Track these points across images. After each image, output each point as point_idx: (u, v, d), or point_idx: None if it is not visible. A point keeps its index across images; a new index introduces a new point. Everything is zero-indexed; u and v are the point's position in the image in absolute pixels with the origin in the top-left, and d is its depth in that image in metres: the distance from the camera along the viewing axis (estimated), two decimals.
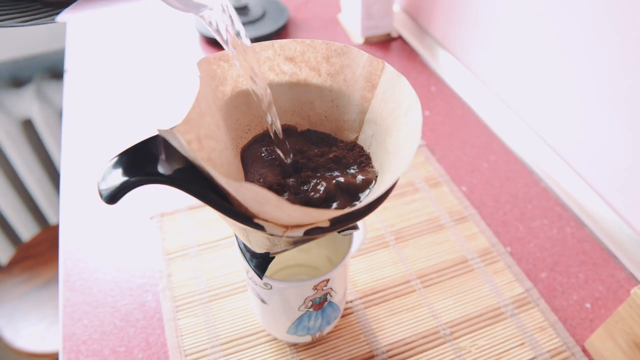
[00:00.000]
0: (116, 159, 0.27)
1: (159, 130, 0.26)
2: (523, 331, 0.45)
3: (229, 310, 0.46)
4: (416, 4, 0.78)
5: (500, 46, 0.62)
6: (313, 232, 0.26)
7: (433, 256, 0.51)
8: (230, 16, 0.27)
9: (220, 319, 0.45)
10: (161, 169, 0.27)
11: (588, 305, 0.47)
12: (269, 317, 0.40)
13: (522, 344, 0.44)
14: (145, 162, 0.27)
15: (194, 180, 0.27)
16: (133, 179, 0.26)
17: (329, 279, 0.36)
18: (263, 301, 0.38)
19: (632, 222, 0.51)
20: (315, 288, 0.36)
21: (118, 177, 0.26)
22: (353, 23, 0.75)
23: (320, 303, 0.38)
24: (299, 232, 0.26)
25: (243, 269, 0.40)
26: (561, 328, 0.45)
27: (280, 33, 0.77)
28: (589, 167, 0.54)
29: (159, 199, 0.56)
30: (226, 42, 0.28)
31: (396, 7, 0.82)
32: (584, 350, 0.44)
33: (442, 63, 0.72)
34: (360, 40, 0.76)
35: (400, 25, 0.79)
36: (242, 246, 0.36)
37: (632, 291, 0.38)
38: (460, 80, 0.70)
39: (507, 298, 0.47)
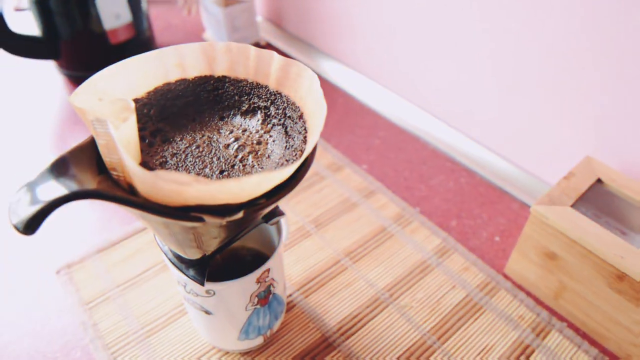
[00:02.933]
0: (25, 187, 0.25)
1: (95, 121, 0.25)
2: (451, 276, 0.49)
3: (169, 340, 0.44)
4: (276, 11, 0.81)
5: (360, 32, 0.67)
6: (252, 209, 0.26)
7: (354, 233, 0.53)
8: None
9: (163, 351, 0.43)
10: (76, 185, 0.26)
11: (497, 239, 0.52)
12: (217, 329, 0.39)
13: (454, 286, 0.48)
14: (58, 181, 0.25)
15: (112, 190, 0.26)
16: (51, 198, 0.24)
17: (269, 269, 0.36)
18: (207, 312, 0.37)
19: (511, 158, 0.57)
20: (258, 281, 0.36)
21: (33, 204, 0.24)
22: (220, 38, 0.76)
23: (266, 297, 0.38)
24: (239, 214, 0.26)
25: (178, 287, 0.38)
26: (481, 264, 0.49)
27: None
28: (464, 121, 0.60)
29: (60, 250, 0.51)
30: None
31: (258, 18, 0.85)
32: (506, 276, 0.49)
33: (315, 59, 0.76)
34: None
35: (266, 34, 0.82)
36: (174, 260, 0.35)
37: (531, 209, 0.43)
38: (335, 72, 0.73)
39: (429, 251, 0.51)
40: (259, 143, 0.33)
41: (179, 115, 0.34)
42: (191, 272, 0.34)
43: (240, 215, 0.26)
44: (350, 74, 0.72)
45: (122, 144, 0.25)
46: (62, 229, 0.53)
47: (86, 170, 0.27)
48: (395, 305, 0.46)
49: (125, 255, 0.51)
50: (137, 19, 0.69)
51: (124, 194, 0.26)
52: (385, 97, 0.68)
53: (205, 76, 0.35)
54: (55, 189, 0.25)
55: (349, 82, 0.72)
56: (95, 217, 0.55)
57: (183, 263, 0.34)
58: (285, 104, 0.33)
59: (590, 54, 0.46)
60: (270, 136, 0.33)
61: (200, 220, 0.26)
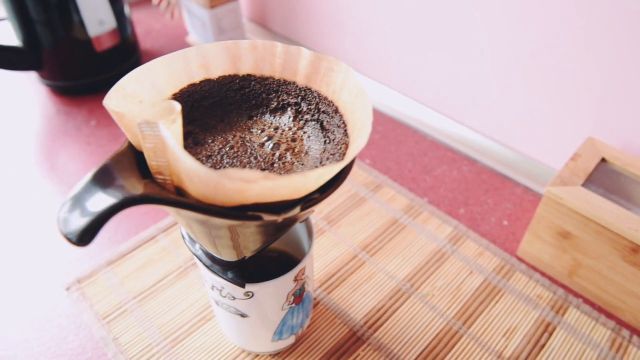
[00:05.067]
0: (71, 200, 0.24)
1: (140, 123, 0.24)
2: (467, 262, 0.49)
3: (196, 347, 0.43)
4: (260, 11, 0.80)
5: (350, 28, 0.68)
6: (308, 204, 0.26)
7: (367, 226, 0.53)
8: None
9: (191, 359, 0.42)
10: (125, 192, 0.25)
11: (505, 223, 0.53)
12: (252, 331, 0.39)
13: (471, 272, 0.49)
14: (107, 190, 0.25)
15: (164, 193, 0.26)
16: (104, 207, 0.23)
17: (305, 266, 0.36)
18: (243, 315, 0.37)
19: (511, 145, 0.59)
20: (295, 279, 0.36)
21: (86, 215, 0.23)
22: (205, 41, 0.75)
23: (300, 295, 0.38)
24: (296, 209, 0.26)
25: (212, 292, 0.37)
26: (494, 248, 0.51)
27: (134, 68, 0.73)
28: (462, 111, 0.61)
29: (66, 266, 0.49)
30: None
31: (243, 19, 0.84)
32: (519, 259, 0.50)
33: None
34: None
35: (252, 35, 0.81)
36: (209, 264, 0.34)
37: (545, 190, 0.44)
38: None
39: (442, 239, 0.51)
40: (293, 140, 0.32)
41: (206, 116, 0.34)
42: (230, 274, 0.33)
43: (297, 211, 0.26)
44: None
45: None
46: (65, 245, 0.51)
47: (131, 176, 0.27)
48: (418, 295, 0.47)
49: (137, 266, 0.49)
50: (121, 24, 0.68)
51: (177, 196, 0.25)
52: (380, 91, 0.69)
53: (230, 75, 0.34)
54: (106, 197, 0.24)
55: None
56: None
57: (220, 265, 0.34)
58: (317, 99, 0.33)
59: (586, 36, 0.47)
60: (305, 132, 0.33)
61: (259, 218, 0.25)
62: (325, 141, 0.31)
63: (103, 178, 0.26)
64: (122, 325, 0.45)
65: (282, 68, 0.34)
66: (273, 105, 0.34)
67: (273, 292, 0.35)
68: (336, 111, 0.31)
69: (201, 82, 0.33)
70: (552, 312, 0.45)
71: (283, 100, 0.34)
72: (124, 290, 0.47)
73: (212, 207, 0.25)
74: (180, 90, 0.33)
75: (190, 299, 0.46)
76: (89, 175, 0.26)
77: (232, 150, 0.32)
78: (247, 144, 0.32)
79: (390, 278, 0.48)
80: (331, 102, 0.32)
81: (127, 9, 0.69)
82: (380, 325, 0.44)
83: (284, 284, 0.35)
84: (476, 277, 0.48)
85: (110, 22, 0.66)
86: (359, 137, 0.27)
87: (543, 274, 0.49)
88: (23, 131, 0.65)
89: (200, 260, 0.34)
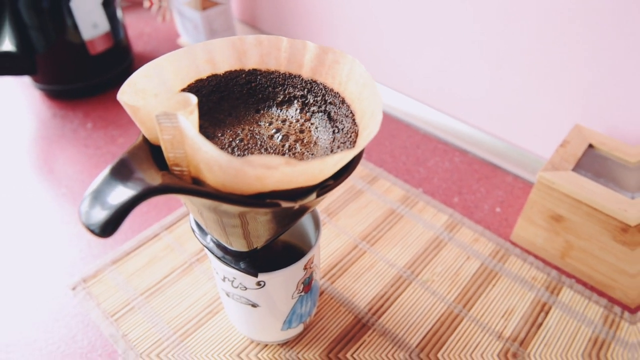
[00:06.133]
0: (91, 194, 0.25)
1: (159, 115, 0.25)
2: (463, 248, 0.51)
3: (206, 340, 0.44)
4: (250, 12, 0.81)
5: (342, 26, 0.69)
6: (324, 190, 0.27)
7: (365, 217, 0.54)
8: None
9: (201, 352, 0.43)
10: (145, 183, 0.26)
11: (498, 210, 0.55)
12: (262, 321, 0.40)
13: (468, 257, 0.50)
14: (127, 182, 0.25)
15: (180, 183, 0.27)
16: (127, 198, 0.24)
17: (314, 255, 0.37)
18: (254, 305, 0.38)
19: (499, 135, 0.61)
20: (305, 267, 0.37)
21: (107, 208, 0.24)
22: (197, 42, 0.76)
23: (309, 283, 0.39)
24: (312, 196, 0.27)
25: (222, 284, 0.38)
26: (489, 234, 0.52)
27: (127, 71, 0.74)
28: (452, 104, 0.63)
29: (70, 266, 0.50)
30: None
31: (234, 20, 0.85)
32: (513, 243, 0.52)
33: None
34: None
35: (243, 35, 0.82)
36: (220, 256, 0.35)
37: (538, 175, 0.46)
38: None
39: (439, 227, 0.53)
40: (301, 131, 0.34)
41: (215, 111, 0.35)
42: (242, 264, 0.34)
43: (313, 197, 0.27)
44: None
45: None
46: (66, 245, 0.52)
47: (149, 168, 0.28)
48: (418, 281, 0.48)
49: (142, 263, 0.50)
50: (114, 28, 0.68)
51: (196, 186, 0.26)
52: None
53: (236, 70, 0.35)
54: (126, 189, 0.25)
55: None
56: None
57: (232, 256, 0.35)
58: (324, 91, 0.34)
59: (573, 27, 0.49)
60: (312, 124, 0.34)
61: (277, 205, 0.26)
62: (334, 131, 0.33)
63: (121, 171, 0.27)
64: (131, 321, 0.45)
65: (288, 62, 0.35)
66: (279, 99, 0.35)
67: (284, 281, 0.36)
68: (343, 102, 0.33)
69: (208, 77, 0.35)
70: (547, 292, 0.47)
71: (289, 93, 0.35)
72: (130, 288, 0.48)
73: (231, 195, 0.26)
74: (189, 86, 0.34)
75: (197, 294, 0.47)
76: (107, 169, 0.26)
77: (243, 143, 0.33)
78: (256, 136, 0.33)
79: (390, 266, 0.49)
80: (337, 93, 0.33)
81: (119, 13, 0.70)
82: (384, 312, 0.46)
83: (295, 272, 0.36)
84: (473, 262, 0.50)
85: (103, 26, 0.66)
86: (370, 124, 0.29)
87: (537, 256, 0.51)
88: (19, 136, 0.65)
89: (212, 252, 0.35)
